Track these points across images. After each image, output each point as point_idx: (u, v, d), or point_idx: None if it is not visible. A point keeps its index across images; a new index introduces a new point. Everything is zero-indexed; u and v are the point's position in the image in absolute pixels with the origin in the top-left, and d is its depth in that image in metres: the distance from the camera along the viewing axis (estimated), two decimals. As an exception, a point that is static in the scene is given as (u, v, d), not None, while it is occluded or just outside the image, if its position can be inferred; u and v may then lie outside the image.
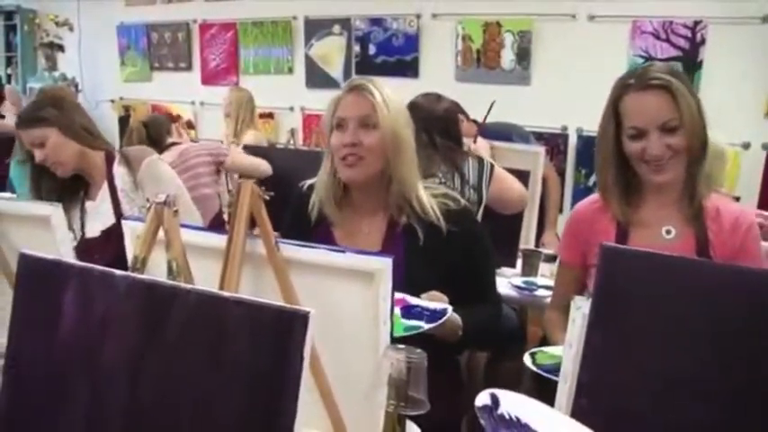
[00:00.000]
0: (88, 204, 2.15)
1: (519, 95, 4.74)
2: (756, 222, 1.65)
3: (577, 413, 0.70)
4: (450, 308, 1.53)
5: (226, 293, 0.93)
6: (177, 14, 6.41)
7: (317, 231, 1.77)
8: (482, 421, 0.62)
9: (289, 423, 0.83)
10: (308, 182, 1.85)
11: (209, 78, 6.40)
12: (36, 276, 1.06)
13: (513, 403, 0.66)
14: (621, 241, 1.64)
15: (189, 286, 0.94)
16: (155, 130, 3.41)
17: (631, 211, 1.65)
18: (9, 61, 7.65)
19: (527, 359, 1.51)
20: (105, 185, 2.13)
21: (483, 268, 1.82)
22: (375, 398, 1.02)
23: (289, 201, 1.87)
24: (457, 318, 1.58)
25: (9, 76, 7.54)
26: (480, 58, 4.98)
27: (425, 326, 1.45)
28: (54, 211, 1.51)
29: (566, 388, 0.99)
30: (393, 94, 1.73)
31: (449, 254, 1.70)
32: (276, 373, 0.84)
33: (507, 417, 0.64)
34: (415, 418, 1.25)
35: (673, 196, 1.63)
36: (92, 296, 0.99)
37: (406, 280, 1.64)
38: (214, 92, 5.92)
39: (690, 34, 4.31)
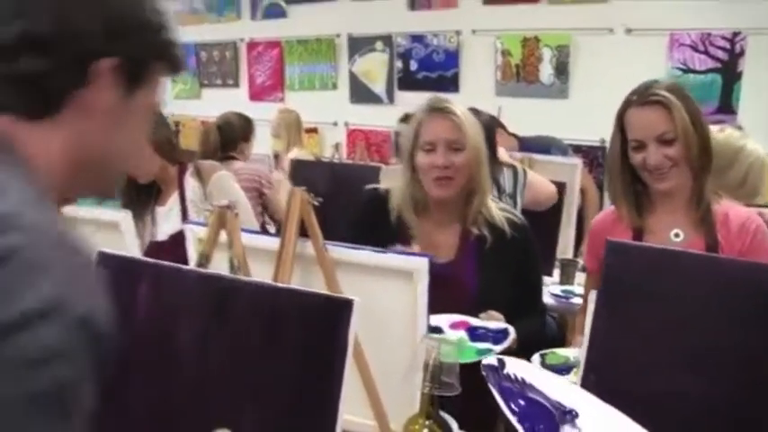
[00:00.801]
0: (158, 209, 2.32)
1: (557, 109, 4.82)
2: (764, 225, 1.71)
3: (586, 388, 0.79)
4: (511, 328, 1.63)
5: (281, 284, 1.06)
6: (225, 34, 6.64)
7: (397, 235, 1.85)
8: (484, 373, 0.71)
9: (335, 399, 0.95)
10: (381, 186, 1.97)
11: (255, 95, 6.61)
12: (113, 272, 1.20)
13: (518, 367, 0.75)
14: None
15: (248, 279, 1.07)
16: (227, 134, 3.63)
17: (643, 218, 1.74)
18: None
19: (536, 359, 1.61)
20: (176, 194, 2.30)
21: (536, 277, 1.94)
22: (412, 381, 1.13)
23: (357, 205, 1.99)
24: (514, 336, 1.67)
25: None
26: (519, 73, 5.07)
27: (496, 348, 1.55)
28: (123, 217, 1.66)
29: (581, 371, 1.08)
30: (467, 110, 1.85)
31: (512, 257, 1.82)
32: (325, 353, 0.96)
33: (512, 377, 0.73)
34: (455, 416, 1.36)
35: (681, 202, 1.72)
36: (163, 288, 1.12)
37: (481, 286, 1.76)
38: (261, 108, 6.10)
39: (728, 45, 4.33)
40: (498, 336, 1.60)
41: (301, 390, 0.97)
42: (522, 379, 0.73)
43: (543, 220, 2.90)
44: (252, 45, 6.58)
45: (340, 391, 0.93)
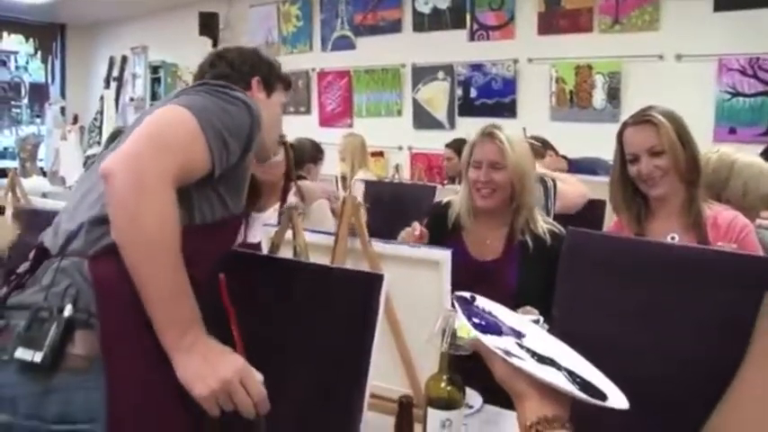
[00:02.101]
0: (253, 215, 2.62)
1: (610, 132, 4.92)
2: (750, 224, 1.93)
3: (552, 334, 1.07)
4: (542, 319, 1.90)
5: (333, 265, 1.40)
6: (297, 64, 7.08)
7: (452, 236, 2.20)
8: (455, 303, 0.95)
9: (368, 348, 1.28)
10: (445, 199, 2.34)
11: (326, 121, 7.06)
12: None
13: (488, 303, 1.00)
14: None
15: (308, 261, 1.41)
16: (296, 154, 4.00)
17: (643, 225, 2.00)
18: (154, 109, 8.71)
19: None
20: (276, 205, 2.64)
21: None
22: (434, 343, 1.44)
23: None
24: (545, 327, 1.94)
25: (154, 122, 8.58)
26: (573, 99, 5.33)
27: None
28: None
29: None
30: (517, 136, 2.18)
31: (550, 262, 2.07)
32: (363, 314, 1.29)
33: (480, 308, 0.98)
34: (480, 391, 1.67)
35: (675, 210, 1.96)
36: (246, 271, 1.47)
37: (520, 284, 2.05)
38: (330, 133, 6.53)
39: (777, 69, 4.48)
40: None
41: (344, 342, 1.30)
42: (490, 311, 0.99)
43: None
44: (322, 75, 7.04)
45: (372, 342, 1.25)
